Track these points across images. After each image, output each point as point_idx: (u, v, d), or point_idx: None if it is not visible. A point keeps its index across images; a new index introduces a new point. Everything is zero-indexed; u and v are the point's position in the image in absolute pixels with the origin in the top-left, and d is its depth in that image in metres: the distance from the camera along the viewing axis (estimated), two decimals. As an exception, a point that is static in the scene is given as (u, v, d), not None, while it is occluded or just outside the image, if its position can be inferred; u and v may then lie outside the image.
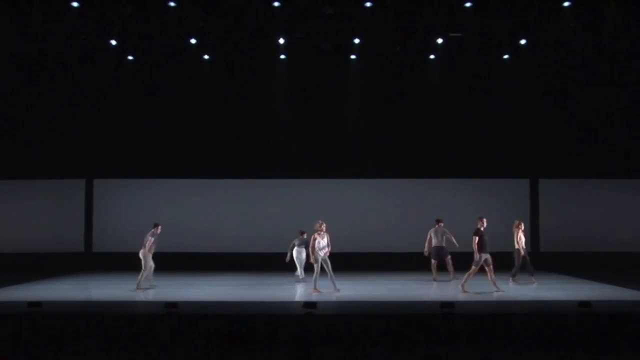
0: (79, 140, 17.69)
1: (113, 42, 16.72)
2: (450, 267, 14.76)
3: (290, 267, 15.35)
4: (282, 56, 17.85)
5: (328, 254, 12.89)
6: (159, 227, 13.82)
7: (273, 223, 18.00)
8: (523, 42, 16.81)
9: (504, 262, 17.27)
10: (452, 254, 14.85)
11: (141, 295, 12.76)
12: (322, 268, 12.78)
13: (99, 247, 18.12)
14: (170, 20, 15.30)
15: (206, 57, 17.80)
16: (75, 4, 14.79)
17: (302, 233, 14.76)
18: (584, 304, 10.11)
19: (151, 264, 13.52)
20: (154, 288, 13.58)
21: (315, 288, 12.70)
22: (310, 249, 12.83)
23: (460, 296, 12.21)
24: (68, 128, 17.66)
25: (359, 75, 18.12)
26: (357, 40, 16.79)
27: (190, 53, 17.66)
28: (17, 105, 17.54)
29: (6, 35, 15.76)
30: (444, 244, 14.70)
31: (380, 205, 18.11)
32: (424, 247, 14.91)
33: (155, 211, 17.86)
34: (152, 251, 13.57)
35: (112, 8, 15.20)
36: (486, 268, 12.74)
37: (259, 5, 14.95)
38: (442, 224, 14.84)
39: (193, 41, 16.88)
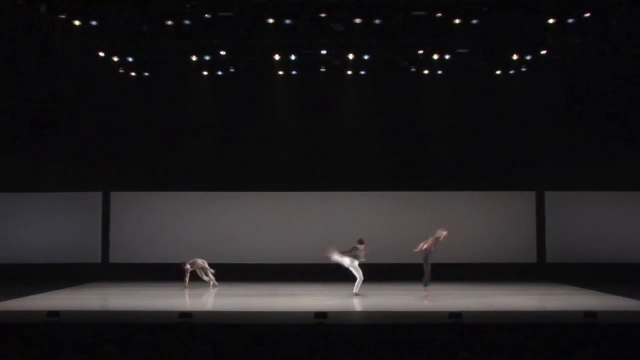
0: (97, 154, 18.06)
1: (130, 59, 17.17)
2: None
3: (301, 278, 15.70)
4: (294, 72, 18.25)
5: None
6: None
7: (285, 234, 18.27)
8: (528, 57, 17.08)
9: (511, 273, 17.59)
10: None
11: (156, 305, 13.04)
12: None
13: (116, 258, 18.45)
14: (182, 37, 15.67)
15: (219, 73, 18.25)
16: (93, 23, 15.25)
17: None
18: (590, 314, 10.15)
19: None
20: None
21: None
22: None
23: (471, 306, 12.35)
24: (86, 143, 18.04)
25: (365, 90, 18.43)
26: (366, 57, 17.19)
27: (204, 68, 18.13)
28: (36, 120, 17.92)
29: (26, 52, 16.19)
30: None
31: (387, 217, 18.28)
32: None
33: (170, 223, 18.33)
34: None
35: (127, 25, 15.60)
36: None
37: (265, 21, 15.25)
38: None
39: (206, 58, 17.31)
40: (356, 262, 14.21)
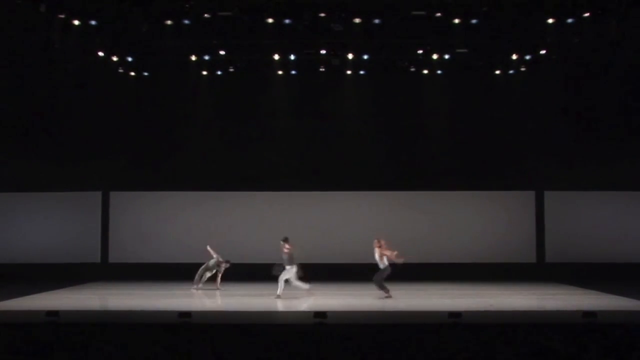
0: (96, 154, 18.06)
1: (129, 59, 17.18)
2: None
3: (301, 278, 15.65)
4: (293, 72, 18.27)
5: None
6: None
7: (285, 234, 18.20)
8: (528, 57, 17.10)
9: (511, 273, 17.56)
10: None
11: (156, 305, 13.03)
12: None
13: (115, 258, 18.46)
14: (182, 37, 15.67)
15: (219, 72, 18.27)
16: (93, 22, 15.25)
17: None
18: (589, 314, 10.16)
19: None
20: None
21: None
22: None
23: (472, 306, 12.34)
24: (85, 143, 18.04)
25: (364, 90, 18.47)
26: (365, 56, 17.21)
27: (203, 69, 18.14)
28: (36, 121, 17.94)
29: (26, 52, 16.20)
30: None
31: (387, 217, 18.22)
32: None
33: (169, 223, 18.32)
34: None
35: (127, 25, 15.60)
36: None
37: (265, 21, 15.25)
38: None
39: (206, 57, 17.33)
40: (287, 266, 14.10)
